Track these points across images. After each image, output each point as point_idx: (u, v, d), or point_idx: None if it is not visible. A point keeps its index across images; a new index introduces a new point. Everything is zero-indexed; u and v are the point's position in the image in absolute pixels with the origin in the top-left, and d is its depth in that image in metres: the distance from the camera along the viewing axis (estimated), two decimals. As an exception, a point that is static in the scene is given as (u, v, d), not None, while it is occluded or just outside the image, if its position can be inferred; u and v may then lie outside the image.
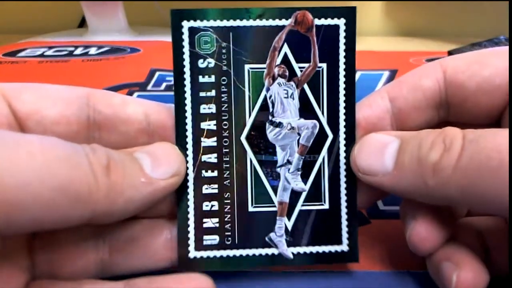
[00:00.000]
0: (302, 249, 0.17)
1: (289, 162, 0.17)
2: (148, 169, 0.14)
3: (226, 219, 0.17)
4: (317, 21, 0.16)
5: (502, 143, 0.12)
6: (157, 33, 0.53)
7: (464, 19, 0.59)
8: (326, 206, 0.17)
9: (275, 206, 0.17)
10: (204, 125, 0.17)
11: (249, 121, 0.17)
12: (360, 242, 0.17)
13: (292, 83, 0.17)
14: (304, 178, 0.17)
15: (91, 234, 0.16)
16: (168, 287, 0.15)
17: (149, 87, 0.35)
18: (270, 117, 0.17)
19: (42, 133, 0.15)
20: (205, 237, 0.17)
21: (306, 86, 0.17)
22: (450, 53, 0.38)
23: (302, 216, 0.17)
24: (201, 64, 0.16)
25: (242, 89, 0.17)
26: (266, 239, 0.17)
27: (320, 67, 0.17)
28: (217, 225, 0.17)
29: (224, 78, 0.16)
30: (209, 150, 0.17)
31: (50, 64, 0.40)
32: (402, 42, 0.56)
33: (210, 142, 0.17)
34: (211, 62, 0.16)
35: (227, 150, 0.17)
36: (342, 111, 0.17)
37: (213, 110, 0.17)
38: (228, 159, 0.17)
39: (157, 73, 0.37)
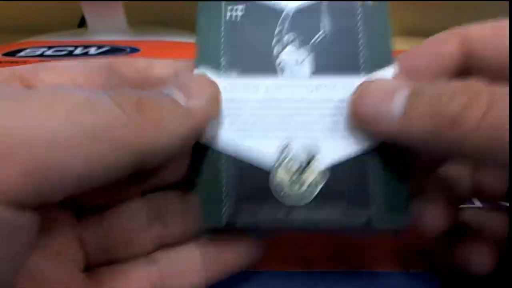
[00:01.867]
0: None
1: None
2: (182, 101, 0.13)
3: None
4: None
5: None
6: (157, 33, 0.53)
7: (464, 19, 0.59)
8: None
9: None
10: None
11: None
12: (360, 242, 0.17)
13: None
14: None
15: (140, 211, 0.16)
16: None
17: (149, 87, 0.35)
18: None
19: None
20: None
21: None
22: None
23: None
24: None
25: None
26: None
27: None
28: None
29: None
30: None
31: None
32: (402, 42, 0.55)
33: None
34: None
35: None
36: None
37: None
38: None
39: (157, 73, 0.37)
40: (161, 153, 0.13)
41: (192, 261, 0.15)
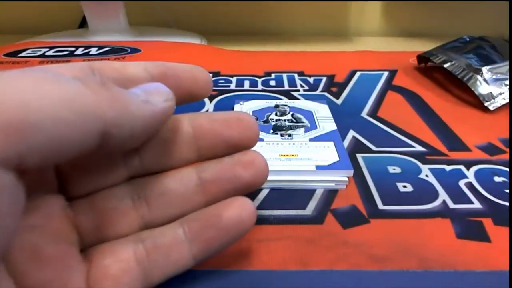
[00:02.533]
0: None
1: None
2: (142, 96, 0.15)
3: None
4: None
5: None
6: (157, 33, 0.53)
7: (464, 19, 0.59)
8: None
9: None
10: None
11: None
12: (360, 242, 0.17)
13: None
14: None
15: (126, 194, 0.17)
16: (220, 210, 0.16)
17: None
18: None
19: None
20: None
21: None
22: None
23: None
24: None
25: None
26: None
27: None
28: None
29: None
30: None
31: (51, 64, 0.40)
32: (402, 42, 0.56)
33: None
34: None
35: None
36: None
37: None
38: None
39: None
40: (126, 128, 0.14)
41: (176, 237, 0.16)
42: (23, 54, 0.44)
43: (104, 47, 0.47)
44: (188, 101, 0.18)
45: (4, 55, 0.43)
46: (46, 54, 0.44)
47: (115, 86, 0.14)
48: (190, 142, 0.18)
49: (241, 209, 0.16)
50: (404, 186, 0.23)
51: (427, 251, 0.19)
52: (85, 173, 0.16)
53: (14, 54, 0.44)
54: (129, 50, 0.46)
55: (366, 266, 0.18)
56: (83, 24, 0.57)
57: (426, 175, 0.24)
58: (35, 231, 0.14)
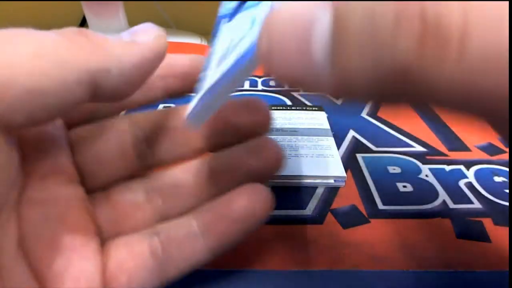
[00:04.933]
0: None
1: None
2: (127, 38, 0.14)
3: None
4: None
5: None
6: (157, 33, 0.53)
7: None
8: None
9: None
10: None
11: None
12: (360, 242, 0.17)
13: None
14: None
15: (139, 186, 0.17)
16: (231, 199, 0.16)
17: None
18: None
19: None
20: None
21: None
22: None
23: None
24: None
25: None
26: None
27: None
28: None
29: None
30: None
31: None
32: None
33: None
34: None
35: None
36: None
37: None
38: None
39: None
40: (114, 73, 0.13)
41: (190, 230, 0.16)
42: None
43: (104, 47, 0.46)
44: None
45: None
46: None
47: (94, 33, 0.13)
48: (199, 130, 0.17)
49: (252, 196, 0.16)
50: (404, 186, 0.23)
51: (427, 251, 0.19)
52: (99, 164, 0.16)
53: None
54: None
55: (366, 266, 0.18)
56: (83, 23, 0.57)
57: (426, 175, 0.24)
58: (53, 220, 0.14)
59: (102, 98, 0.13)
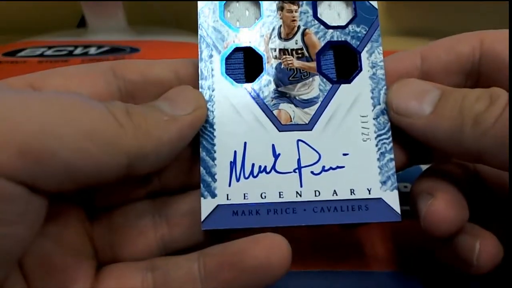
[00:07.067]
0: None
1: None
2: (167, 110, 0.14)
3: None
4: None
5: None
6: (157, 33, 0.53)
7: (464, 19, 0.59)
8: None
9: None
10: None
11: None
12: (360, 242, 0.17)
13: None
14: None
15: (146, 211, 0.16)
16: (245, 248, 0.14)
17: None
18: None
19: None
20: None
21: None
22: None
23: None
24: None
25: None
26: None
27: None
28: None
29: None
30: None
31: (50, 64, 0.40)
32: (402, 42, 0.55)
33: None
34: None
35: None
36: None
37: None
38: None
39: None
40: (151, 158, 0.13)
41: (190, 273, 0.14)
42: (22, 53, 0.44)
43: (103, 47, 0.47)
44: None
45: (3, 55, 0.43)
46: (45, 54, 0.44)
47: (138, 109, 0.14)
48: None
49: (269, 247, 0.14)
50: (405, 187, 0.23)
51: (427, 251, 0.19)
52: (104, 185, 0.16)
53: (13, 53, 0.44)
54: (128, 50, 0.46)
55: (367, 266, 0.18)
56: (82, 23, 0.57)
57: (426, 175, 0.24)
58: (48, 239, 0.14)
59: (134, 177, 0.14)
